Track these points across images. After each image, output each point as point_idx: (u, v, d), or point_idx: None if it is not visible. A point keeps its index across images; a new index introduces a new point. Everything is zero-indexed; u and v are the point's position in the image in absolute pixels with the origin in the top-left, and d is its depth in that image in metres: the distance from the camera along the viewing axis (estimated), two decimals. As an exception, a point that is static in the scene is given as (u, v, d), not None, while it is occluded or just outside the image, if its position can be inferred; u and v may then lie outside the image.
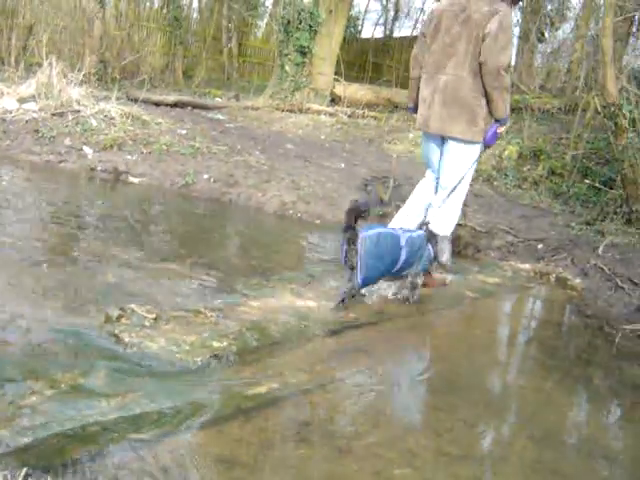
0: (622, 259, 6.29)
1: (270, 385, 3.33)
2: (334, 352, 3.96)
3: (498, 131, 5.27)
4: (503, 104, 5.10)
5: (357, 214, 4.37)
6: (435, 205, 5.45)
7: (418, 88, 5.47)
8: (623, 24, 11.36)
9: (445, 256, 5.24)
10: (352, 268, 4.42)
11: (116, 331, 3.60)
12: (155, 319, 3.80)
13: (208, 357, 3.48)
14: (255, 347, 3.74)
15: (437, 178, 5.57)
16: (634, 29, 13.27)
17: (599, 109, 8.59)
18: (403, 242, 4.66)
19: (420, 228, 5.09)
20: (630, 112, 7.54)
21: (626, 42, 12.99)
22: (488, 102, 5.11)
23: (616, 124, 7.23)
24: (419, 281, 4.96)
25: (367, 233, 4.41)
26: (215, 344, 3.64)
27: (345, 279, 4.57)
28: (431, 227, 5.14)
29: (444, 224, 5.39)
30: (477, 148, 5.32)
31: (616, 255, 6.39)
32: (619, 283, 5.74)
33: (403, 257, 4.66)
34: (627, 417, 3.93)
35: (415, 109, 5.58)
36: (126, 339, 3.53)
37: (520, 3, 9.86)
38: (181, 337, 3.65)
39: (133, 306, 3.89)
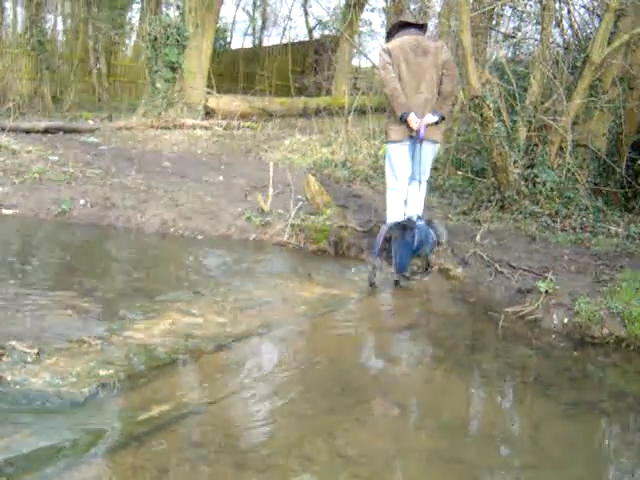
0: (499, 244, 6.50)
1: (161, 408, 3.30)
2: (223, 367, 3.95)
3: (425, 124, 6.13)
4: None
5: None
6: (418, 196, 6.45)
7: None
8: (483, 18, 11.66)
9: (444, 237, 6.20)
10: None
11: (-3, 370, 3.49)
12: (38, 354, 3.70)
13: (95, 386, 3.42)
14: (143, 371, 3.69)
15: (410, 177, 6.43)
16: (494, 22, 13.64)
17: (465, 102, 8.82)
18: (415, 229, 5.79)
19: (419, 219, 6.07)
20: (494, 103, 7.79)
21: (487, 35, 13.36)
22: (438, 102, 6.17)
23: (482, 115, 7.43)
24: (431, 260, 6.18)
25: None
26: (102, 372, 3.58)
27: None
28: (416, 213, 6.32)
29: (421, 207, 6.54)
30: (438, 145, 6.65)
31: (493, 241, 6.60)
32: (498, 268, 5.91)
33: (417, 240, 5.78)
34: (519, 397, 4.09)
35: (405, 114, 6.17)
36: (8, 377, 3.43)
37: None
38: (66, 369, 3.57)
39: (13, 343, 3.77)
